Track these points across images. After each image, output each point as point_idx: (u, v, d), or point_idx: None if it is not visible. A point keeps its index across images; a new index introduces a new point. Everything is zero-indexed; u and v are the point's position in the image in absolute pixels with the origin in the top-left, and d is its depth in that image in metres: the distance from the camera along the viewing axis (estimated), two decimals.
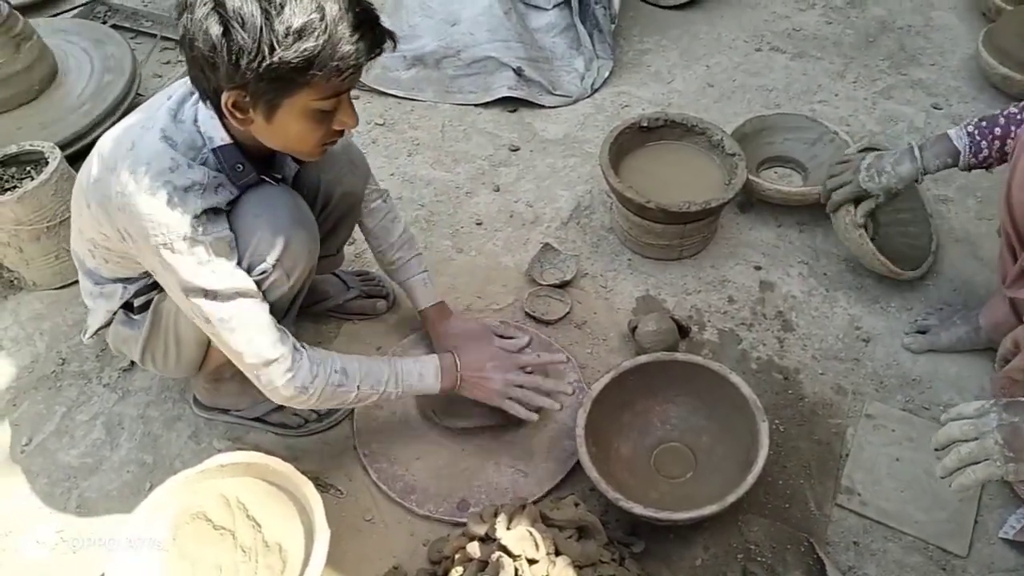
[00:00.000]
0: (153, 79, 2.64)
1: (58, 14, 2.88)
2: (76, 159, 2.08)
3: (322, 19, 1.08)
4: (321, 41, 1.08)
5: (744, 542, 1.50)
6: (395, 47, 1.20)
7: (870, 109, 2.45)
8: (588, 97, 2.54)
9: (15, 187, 1.88)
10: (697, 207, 1.82)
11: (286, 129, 1.21)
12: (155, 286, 1.41)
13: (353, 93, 2.68)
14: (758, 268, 2.01)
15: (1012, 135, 1.53)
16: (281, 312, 1.44)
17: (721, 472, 1.53)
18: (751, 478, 1.41)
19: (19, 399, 1.79)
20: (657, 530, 1.49)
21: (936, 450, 1.13)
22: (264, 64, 1.08)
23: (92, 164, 1.30)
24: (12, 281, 2.01)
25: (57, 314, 1.95)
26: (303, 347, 1.37)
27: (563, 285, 1.96)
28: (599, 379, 1.61)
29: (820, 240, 2.07)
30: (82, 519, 1.58)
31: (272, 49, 1.07)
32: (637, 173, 2.00)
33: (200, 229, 1.22)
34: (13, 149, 1.95)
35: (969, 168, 1.62)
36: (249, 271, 1.30)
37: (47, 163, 1.91)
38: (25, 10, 2.82)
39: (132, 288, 1.44)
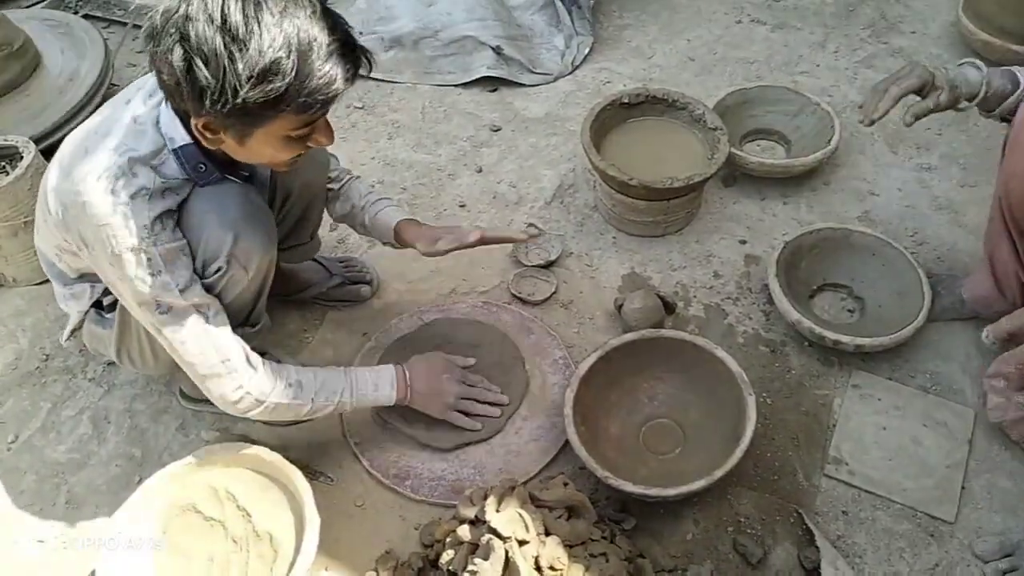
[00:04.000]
0: (127, 68, 2.60)
1: (30, 5, 2.83)
2: (51, 152, 2.04)
3: (290, 55, 1.04)
4: (288, 80, 1.05)
5: (734, 515, 1.51)
6: (371, 69, 1.18)
7: (852, 79, 2.44)
8: (569, 75, 2.52)
9: None
10: (680, 183, 1.82)
11: (259, 152, 1.19)
12: None
13: None
14: (743, 242, 2.01)
15: None
16: (247, 307, 1.43)
17: (709, 447, 1.53)
18: (739, 452, 1.42)
19: (3, 396, 1.78)
20: (647, 506, 1.49)
21: None
22: (228, 104, 1.05)
23: (52, 170, 1.27)
24: None
25: (39, 310, 1.93)
26: (260, 359, 1.36)
27: (548, 265, 1.95)
28: (586, 358, 1.61)
29: (804, 212, 2.07)
30: (71, 515, 1.58)
31: (235, 91, 1.03)
32: (619, 150, 1.99)
33: (151, 240, 1.20)
34: None
35: (1009, 109, 1.46)
36: (204, 269, 1.29)
37: (21, 157, 1.89)
38: None
39: (100, 287, 1.42)
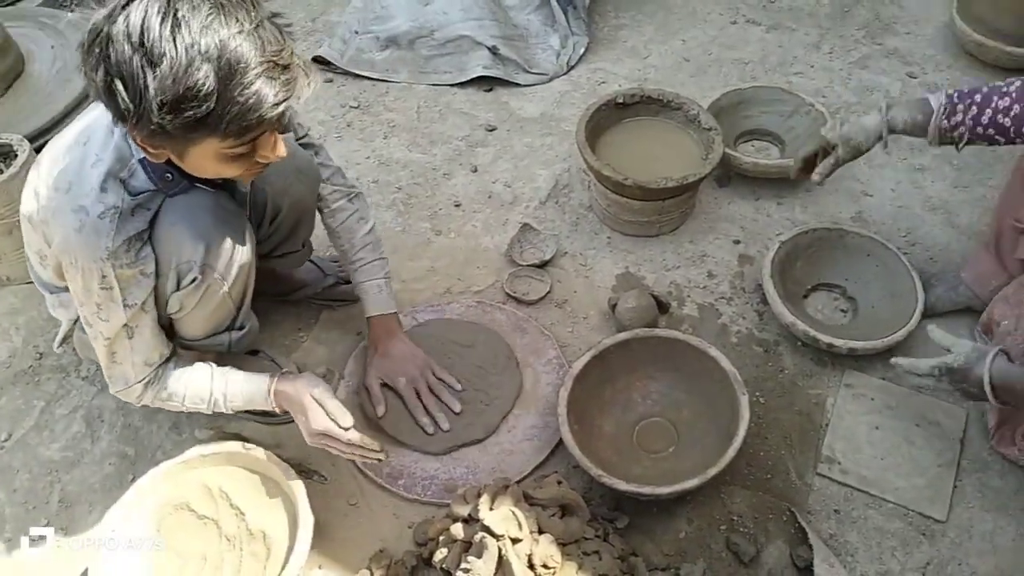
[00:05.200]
0: None
1: (15, 2, 2.82)
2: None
3: (207, 78, 0.97)
4: (208, 105, 0.99)
5: (727, 513, 1.51)
6: (310, 86, 1.08)
7: (846, 79, 2.45)
8: (564, 75, 2.52)
9: None
10: (674, 183, 1.82)
11: (202, 167, 1.15)
12: None
13: (327, 76, 2.65)
14: (737, 242, 2.02)
15: (991, 105, 1.43)
16: (231, 312, 1.44)
17: (703, 445, 1.54)
18: (732, 451, 1.43)
19: None
20: (641, 505, 1.50)
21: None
22: (148, 127, 1.01)
23: (31, 179, 1.28)
24: None
25: (32, 308, 1.93)
26: (148, 380, 1.41)
27: (543, 265, 1.96)
28: (580, 357, 1.61)
29: (798, 212, 2.07)
30: (65, 513, 1.58)
31: (150, 116, 0.99)
32: (614, 150, 1.99)
33: (110, 262, 1.20)
34: None
35: (939, 135, 1.48)
36: (179, 281, 1.29)
37: (16, 156, 1.88)
38: None
39: None
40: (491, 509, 1.30)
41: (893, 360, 1.51)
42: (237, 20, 1.00)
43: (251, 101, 1.01)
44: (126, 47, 0.97)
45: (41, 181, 1.24)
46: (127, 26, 0.97)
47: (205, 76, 0.97)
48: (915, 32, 2.60)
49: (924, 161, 2.17)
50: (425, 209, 2.12)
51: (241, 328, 1.51)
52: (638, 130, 2.05)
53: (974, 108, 1.45)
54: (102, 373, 1.74)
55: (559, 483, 1.38)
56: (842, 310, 1.86)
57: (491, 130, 2.35)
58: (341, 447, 1.41)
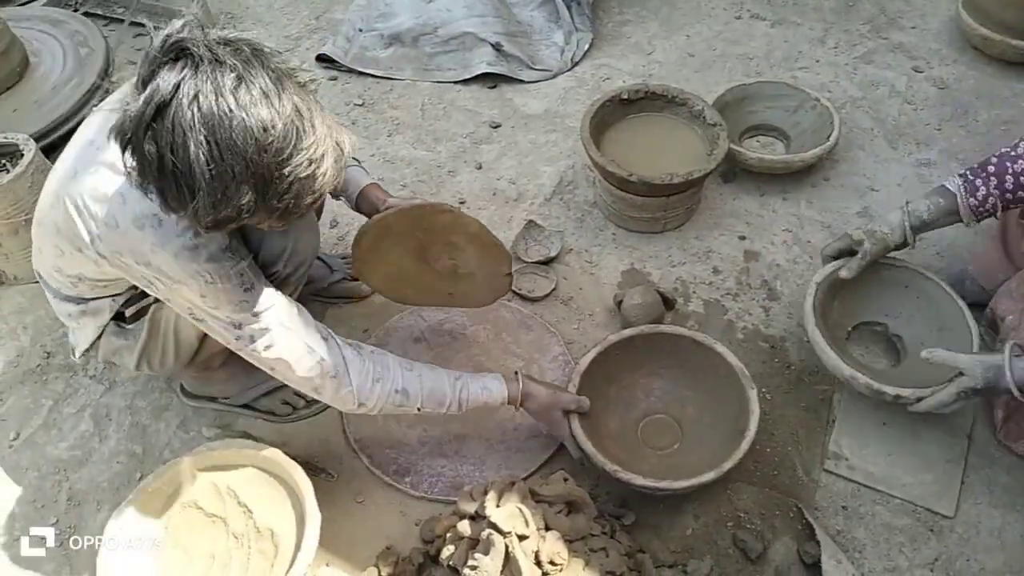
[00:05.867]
0: (127, 65, 2.60)
1: (27, 2, 2.83)
2: (52, 150, 2.06)
3: (246, 196, 1.00)
4: (249, 215, 1.03)
5: (734, 510, 1.51)
6: (343, 155, 1.10)
7: (851, 74, 2.44)
8: (568, 71, 2.52)
9: None
10: (679, 179, 1.82)
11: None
12: (145, 294, 1.34)
13: (331, 74, 2.65)
14: (742, 238, 2.01)
15: (1009, 171, 1.43)
16: None
17: (707, 441, 1.54)
18: (745, 444, 1.42)
19: (5, 394, 1.78)
20: (647, 501, 1.50)
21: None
22: (204, 221, 1.03)
23: (79, 216, 1.19)
24: None
25: (40, 307, 1.93)
26: (359, 357, 1.35)
27: (548, 261, 1.96)
28: (586, 354, 1.61)
29: (804, 208, 2.07)
30: (73, 512, 1.58)
31: (194, 219, 1.03)
32: (619, 146, 1.99)
33: (235, 260, 1.20)
34: None
35: (974, 213, 1.49)
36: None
37: (22, 155, 1.89)
38: None
39: (121, 299, 1.39)
40: (498, 506, 1.30)
41: (912, 408, 1.46)
42: (265, 129, 0.98)
43: (290, 204, 1.05)
44: (165, 175, 0.98)
45: (92, 221, 1.17)
46: (159, 151, 0.96)
47: (243, 196, 1.00)
48: (920, 26, 2.59)
49: (930, 156, 2.16)
50: None
51: None
52: (643, 126, 2.05)
53: (993, 179, 1.46)
54: (109, 372, 1.78)
55: (565, 480, 1.38)
56: (887, 351, 1.72)
57: (496, 127, 2.35)
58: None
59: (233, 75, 0.96)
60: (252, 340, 1.26)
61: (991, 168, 1.46)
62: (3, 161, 1.93)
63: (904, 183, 2.10)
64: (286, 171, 1.01)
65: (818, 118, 2.13)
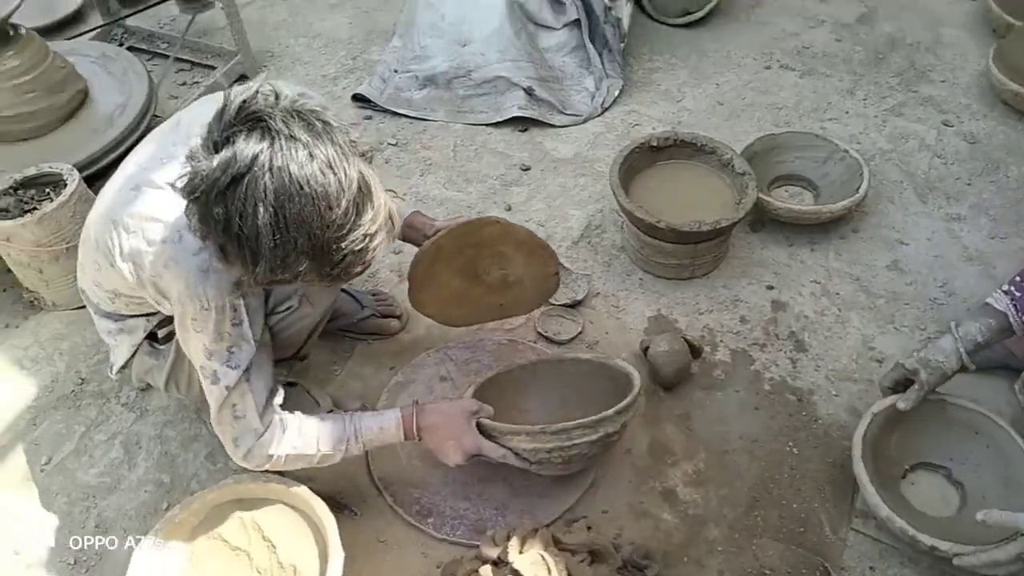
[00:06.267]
0: (169, 100, 2.68)
1: (75, 36, 2.92)
2: (94, 180, 2.11)
3: (302, 265, 1.06)
4: (301, 275, 1.09)
5: (759, 567, 1.50)
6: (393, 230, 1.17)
7: (880, 126, 2.45)
8: (598, 116, 2.56)
9: (34, 209, 1.91)
10: (708, 227, 1.83)
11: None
12: None
13: (365, 113, 2.71)
14: (770, 288, 2.02)
15: None
16: (302, 340, 1.48)
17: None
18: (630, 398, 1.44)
19: (39, 418, 1.82)
20: (670, 555, 1.49)
21: None
22: (260, 281, 1.09)
23: (115, 229, 1.25)
24: (32, 302, 2.04)
25: (76, 334, 1.98)
26: (275, 419, 1.35)
27: (575, 305, 1.97)
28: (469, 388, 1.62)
29: (832, 259, 2.07)
30: (100, 539, 1.60)
31: (251, 279, 1.09)
32: (647, 192, 2.01)
33: (238, 293, 1.23)
34: (32, 171, 1.98)
35: None
36: (275, 307, 1.34)
37: (65, 184, 1.94)
38: (44, 32, 2.87)
39: (155, 319, 1.45)
40: (521, 552, 1.30)
41: (957, 561, 1.35)
42: (330, 206, 1.02)
43: (341, 273, 1.11)
44: (230, 237, 1.03)
45: (135, 236, 1.23)
46: (227, 215, 1.01)
47: (300, 264, 1.06)
48: (950, 80, 2.61)
49: (961, 211, 2.16)
50: None
51: (303, 359, 1.55)
52: (672, 173, 2.07)
53: None
54: (141, 400, 1.81)
55: (589, 528, 1.38)
56: (948, 497, 1.58)
57: (525, 170, 2.38)
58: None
59: (305, 151, 1.00)
60: (215, 377, 1.28)
61: None
62: (47, 190, 1.99)
63: (934, 237, 2.10)
64: (343, 245, 1.06)
65: (847, 169, 2.14)
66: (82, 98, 2.38)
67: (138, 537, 1.49)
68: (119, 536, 1.60)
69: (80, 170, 2.03)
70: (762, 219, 2.15)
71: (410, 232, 1.61)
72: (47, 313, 2.04)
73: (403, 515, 1.58)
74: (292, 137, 1.00)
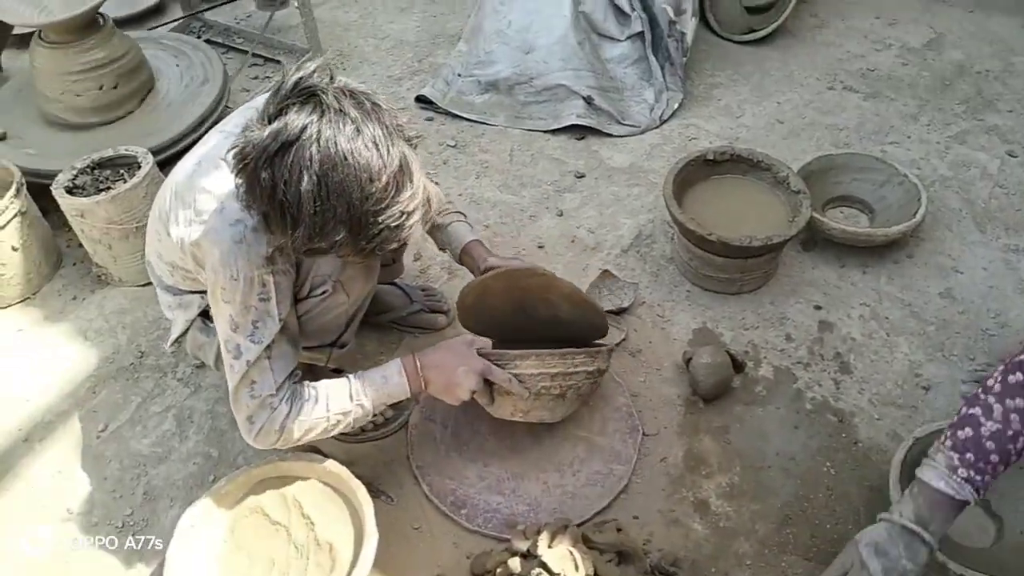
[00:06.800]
0: (241, 92, 2.78)
1: (156, 27, 3.06)
2: (167, 164, 2.21)
3: (340, 234, 1.11)
4: (338, 249, 1.14)
5: None
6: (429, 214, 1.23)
7: (942, 153, 2.41)
8: (656, 128, 2.57)
9: (109, 188, 2.01)
10: (758, 242, 1.83)
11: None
12: None
13: (428, 114, 2.77)
14: (818, 308, 2.00)
15: (1013, 452, 1.17)
16: (340, 328, 1.53)
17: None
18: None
19: (98, 387, 1.91)
20: (698, 565, 1.49)
21: None
22: (298, 248, 1.15)
23: (169, 193, 1.35)
24: (100, 276, 2.14)
25: (139, 309, 2.07)
26: (286, 401, 1.36)
27: (620, 312, 1.99)
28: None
29: (884, 283, 2.05)
30: (148, 506, 1.67)
31: (293, 248, 1.15)
32: (700, 205, 2.02)
33: (268, 268, 1.27)
34: (109, 153, 2.09)
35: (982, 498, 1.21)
36: (310, 291, 1.38)
37: (139, 167, 2.04)
38: (125, 23, 3.01)
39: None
40: (550, 547, 1.32)
41: None
42: (371, 179, 1.08)
43: (376, 247, 1.15)
44: (274, 203, 1.08)
45: (189, 208, 1.30)
46: (273, 181, 1.07)
47: (337, 234, 1.10)
48: (1017, 110, 2.55)
49: (1019, 242, 2.12)
50: (509, 248, 2.18)
51: (342, 346, 1.60)
52: (726, 187, 2.08)
53: (1000, 466, 1.19)
54: (196, 376, 1.89)
55: (619, 530, 1.39)
56: (984, 527, 1.53)
57: (580, 177, 2.41)
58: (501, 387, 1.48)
59: (352, 126, 1.05)
60: (238, 351, 1.30)
61: (994, 459, 1.18)
62: (122, 171, 2.09)
63: (990, 267, 2.06)
64: (380, 219, 1.10)
65: (905, 194, 2.11)
66: (158, 87, 2.49)
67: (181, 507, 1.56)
68: (166, 504, 1.67)
69: (155, 154, 2.13)
70: (815, 238, 2.14)
71: (467, 259, 1.67)
72: (113, 288, 2.14)
73: (438, 505, 1.62)
74: (342, 112, 1.05)
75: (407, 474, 1.68)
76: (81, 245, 2.12)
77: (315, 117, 1.04)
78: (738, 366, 1.81)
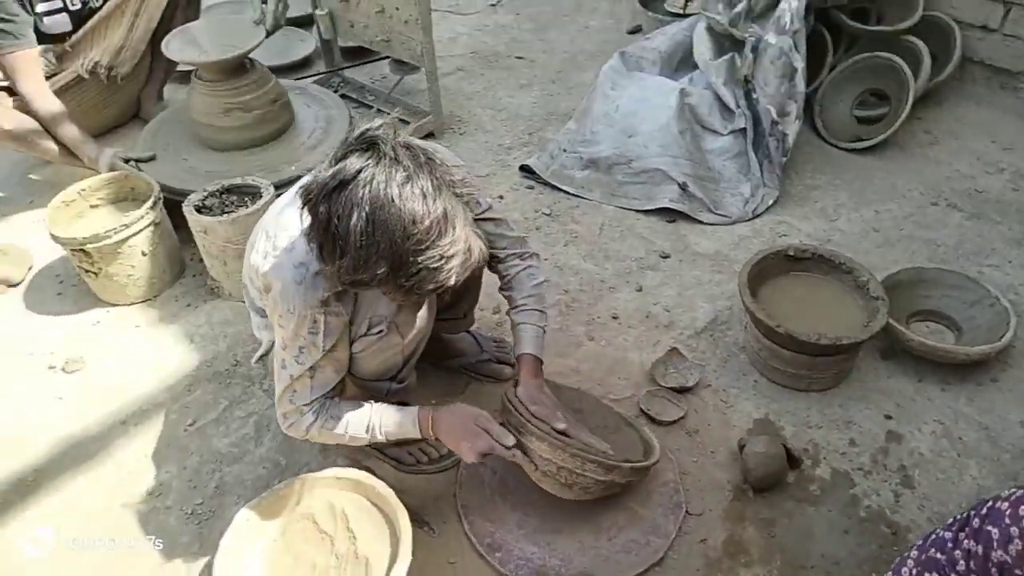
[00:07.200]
0: None
1: (301, 77, 3.39)
2: None
3: (381, 270, 1.20)
4: (381, 284, 1.24)
5: None
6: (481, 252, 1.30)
7: None
8: (747, 221, 2.62)
9: (232, 211, 2.24)
10: (827, 341, 1.84)
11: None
12: None
13: (529, 183, 2.92)
14: (888, 417, 1.97)
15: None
16: (397, 367, 1.65)
17: None
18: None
19: (194, 386, 2.10)
20: None
21: None
22: (344, 278, 1.25)
23: (261, 238, 1.50)
24: (213, 289, 2.37)
25: (241, 323, 2.27)
26: (314, 413, 1.54)
27: (683, 391, 2.02)
28: None
29: (963, 404, 1.99)
30: (217, 499, 1.82)
31: (337, 277, 1.25)
32: (777, 298, 2.04)
33: (322, 310, 1.42)
34: (237, 181, 2.33)
35: None
36: (368, 329, 1.52)
37: (260, 196, 2.27)
38: (279, 70, 3.35)
39: None
40: None
41: None
42: (415, 222, 1.18)
43: (414, 286, 1.24)
44: (328, 234, 1.21)
45: (269, 241, 1.47)
46: (329, 215, 1.19)
47: (379, 268, 1.20)
48: None
49: None
50: (584, 315, 2.26)
51: (401, 382, 1.72)
52: (805, 285, 2.10)
53: None
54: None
55: None
56: None
57: (664, 257, 2.48)
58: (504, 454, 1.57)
59: (404, 174, 1.18)
60: (284, 364, 1.49)
61: None
62: (245, 198, 2.32)
63: None
64: (420, 259, 1.20)
65: (995, 316, 2.07)
66: (292, 127, 2.77)
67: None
68: (233, 500, 1.81)
69: (277, 188, 2.36)
70: (894, 348, 2.11)
71: (516, 367, 1.75)
72: (223, 301, 2.36)
73: (475, 544, 1.68)
74: (396, 161, 1.18)
75: (452, 511, 1.76)
76: (201, 260, 2.36)
77: (371, 162, 1.18)
78: (794, 461, 1.81)
